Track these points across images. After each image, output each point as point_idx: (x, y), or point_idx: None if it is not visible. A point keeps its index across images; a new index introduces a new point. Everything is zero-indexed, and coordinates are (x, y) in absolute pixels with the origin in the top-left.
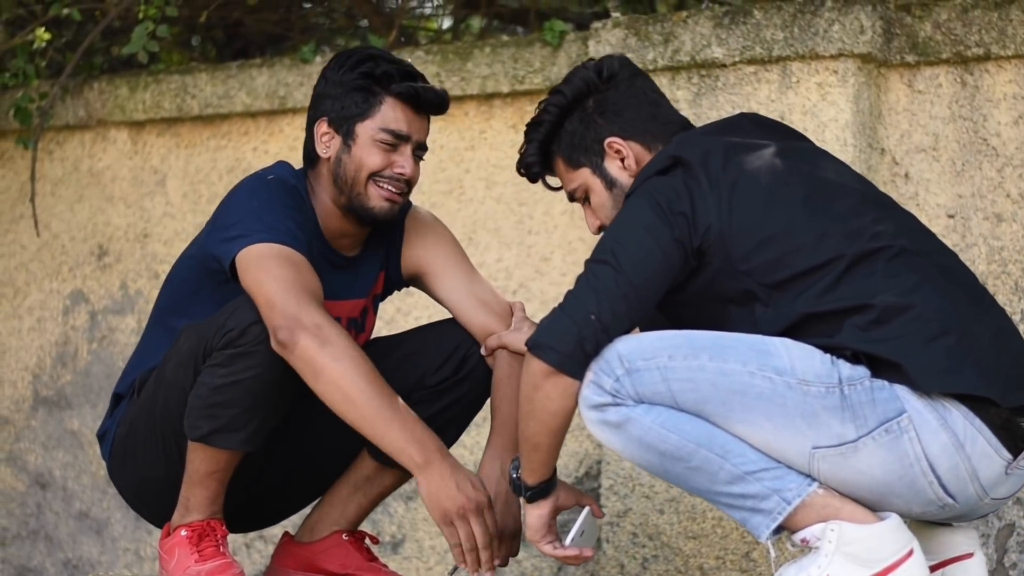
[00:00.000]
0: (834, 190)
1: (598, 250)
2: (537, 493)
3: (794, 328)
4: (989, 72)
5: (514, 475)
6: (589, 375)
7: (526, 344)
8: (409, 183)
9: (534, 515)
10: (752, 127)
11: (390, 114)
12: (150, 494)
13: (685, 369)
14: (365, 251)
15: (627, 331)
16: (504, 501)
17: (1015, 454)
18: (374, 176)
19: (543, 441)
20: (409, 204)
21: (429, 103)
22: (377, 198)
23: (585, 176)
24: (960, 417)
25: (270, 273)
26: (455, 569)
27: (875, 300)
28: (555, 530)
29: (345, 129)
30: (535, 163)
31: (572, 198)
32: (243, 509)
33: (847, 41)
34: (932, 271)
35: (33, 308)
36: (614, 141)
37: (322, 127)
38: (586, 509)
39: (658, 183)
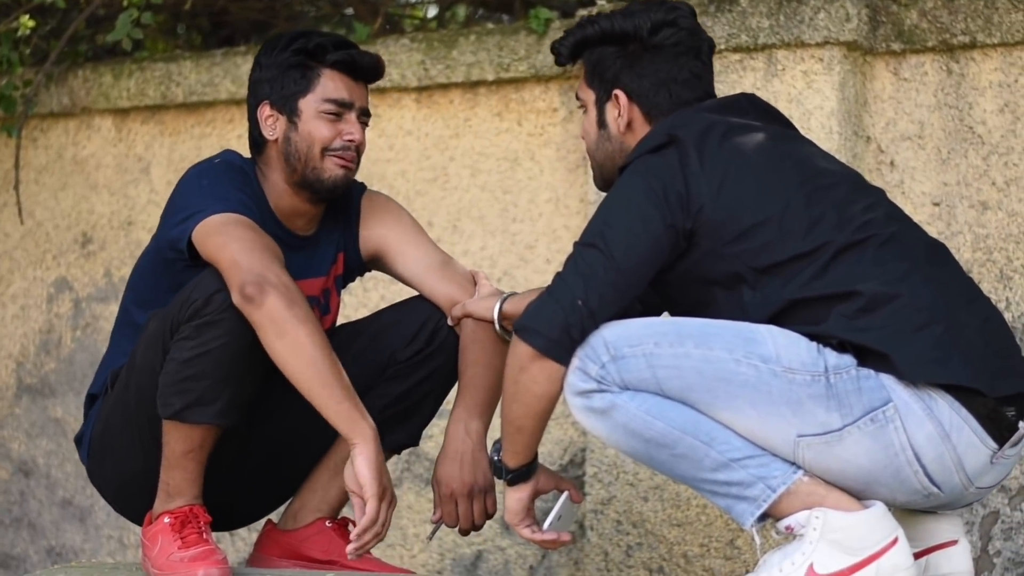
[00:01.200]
0: (827, 177)
1: (588, 232)
2: (518, 476)
3: (781, 314)
4: (975, 60)
5: (495, 457)
6: (575, 362)
7: (514, 327)
8: (359, 149)
9: (514, 498)
10: (750, 108)
11: (330, 85)
12: (131, 489)
13: (671, 356)
14: (320, 230)
15: (614, 316)
16: (471, 459)
17: (1000, 443)
18: (326, 150)
19: (527, 424)
20: (363, 187)
21: (365, 68)
22: (332, 168)
23: (590, 99)
24: (946, 407)
25: (231, 236)
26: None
27: (862, 287)
28: (534, 514)
29: (288, 108)
30: (564, 55)
31: (577, 98)
32: (225, 507)
33: (833, 29)
34: (920, 260)
35: (17, 296)
36: (621, 95)
37: (265, 110)
38: (565, 493)
39: (653, 163)
